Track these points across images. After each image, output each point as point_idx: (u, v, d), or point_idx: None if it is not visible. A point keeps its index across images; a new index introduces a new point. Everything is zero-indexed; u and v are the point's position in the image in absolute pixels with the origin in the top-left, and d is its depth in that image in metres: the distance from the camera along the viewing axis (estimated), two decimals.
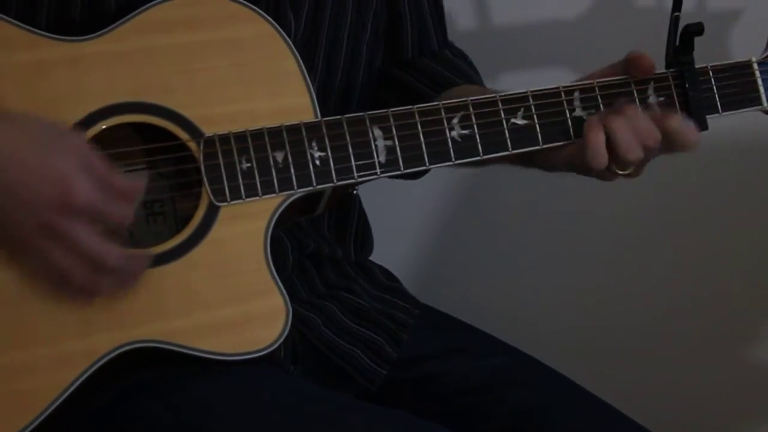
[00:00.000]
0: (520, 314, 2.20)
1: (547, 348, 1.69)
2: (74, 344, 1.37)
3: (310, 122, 1.46)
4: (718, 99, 1.57)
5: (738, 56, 1.59)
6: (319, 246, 1.62)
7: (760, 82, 1.59)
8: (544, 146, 1.52)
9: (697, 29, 1.52)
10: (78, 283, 1.35)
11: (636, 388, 2.18)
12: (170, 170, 1.47)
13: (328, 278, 1.64)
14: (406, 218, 2.06)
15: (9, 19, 1.41)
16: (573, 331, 2.24)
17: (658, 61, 1.56)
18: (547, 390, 1.59)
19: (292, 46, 1.47)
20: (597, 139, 1.48)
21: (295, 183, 1.45)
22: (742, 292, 2.25)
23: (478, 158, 1.51)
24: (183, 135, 1.43)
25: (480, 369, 1.60)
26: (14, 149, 1.32)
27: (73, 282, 1.35)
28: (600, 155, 1.48)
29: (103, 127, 1.41)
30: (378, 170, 1.48)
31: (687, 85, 1.55)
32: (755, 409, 2.31)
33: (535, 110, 1.52)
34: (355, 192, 1.63)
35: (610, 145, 1.49)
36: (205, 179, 1.42)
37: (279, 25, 1.47)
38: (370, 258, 1.72)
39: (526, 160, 1.55)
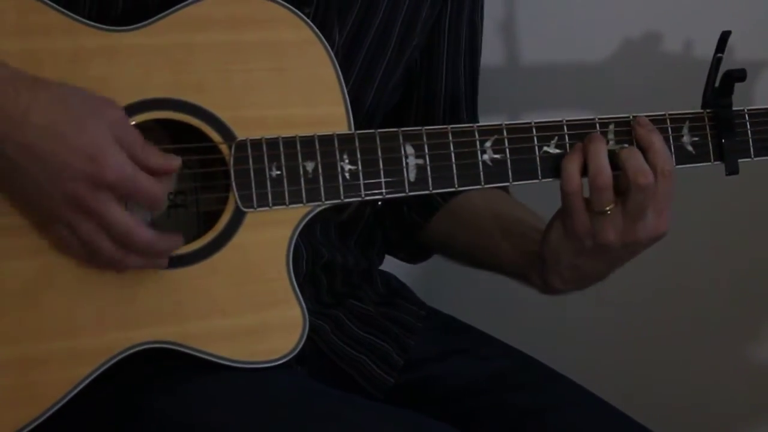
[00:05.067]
0: (522, 316, 2.19)
1: (549, 350, 1.69)
2: (90, 341, 1.37)
3: (343, 134, 1.44)
4: (751, 144, 1.56)
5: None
6: (333, 256, 1.62)
7: None
8: None
9: (739, 75, 1.52)
10: (105, 256, 1.35)
11: (637, 388, 2.19)
12: (197, 163, 1.46)
13: (336, 287, 1.63)
14: None
15: (50, 3, 1.39)
16: (575, 333, 2.24)
17: (678, 103, 1.55)
18: (549, 392, 1.59)
19: (332, 54, 1.45)
20: (572, 166, 1.48)
21: (323, 195, 1.43)
22: (743, 292, 2.24)
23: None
24: (215, 136, 1.42)
25: (483, 371, 1.61)
26: (52, 120, 1.31)
27: (101, 255, 1.35)
28: (573, 180, 1.48)
29: (138, 121, 1.40)
30: (407, 188, 1.46)
31: (722, 128, 1.54)
32: (755, 409, 2.32)
33: (569, 140, 1.51)
34: (379, 204, 1.62)
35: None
36: (233, 184, 1.41)
37: (323, 35, 1.45)
38: None
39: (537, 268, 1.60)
